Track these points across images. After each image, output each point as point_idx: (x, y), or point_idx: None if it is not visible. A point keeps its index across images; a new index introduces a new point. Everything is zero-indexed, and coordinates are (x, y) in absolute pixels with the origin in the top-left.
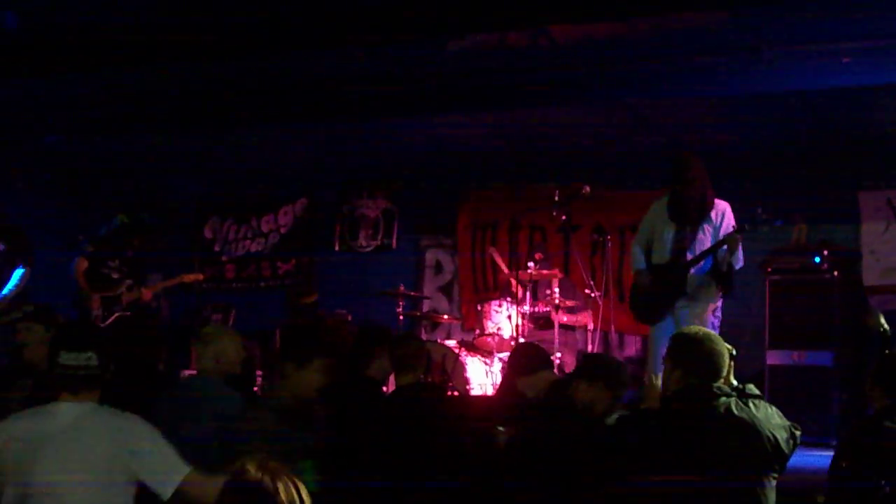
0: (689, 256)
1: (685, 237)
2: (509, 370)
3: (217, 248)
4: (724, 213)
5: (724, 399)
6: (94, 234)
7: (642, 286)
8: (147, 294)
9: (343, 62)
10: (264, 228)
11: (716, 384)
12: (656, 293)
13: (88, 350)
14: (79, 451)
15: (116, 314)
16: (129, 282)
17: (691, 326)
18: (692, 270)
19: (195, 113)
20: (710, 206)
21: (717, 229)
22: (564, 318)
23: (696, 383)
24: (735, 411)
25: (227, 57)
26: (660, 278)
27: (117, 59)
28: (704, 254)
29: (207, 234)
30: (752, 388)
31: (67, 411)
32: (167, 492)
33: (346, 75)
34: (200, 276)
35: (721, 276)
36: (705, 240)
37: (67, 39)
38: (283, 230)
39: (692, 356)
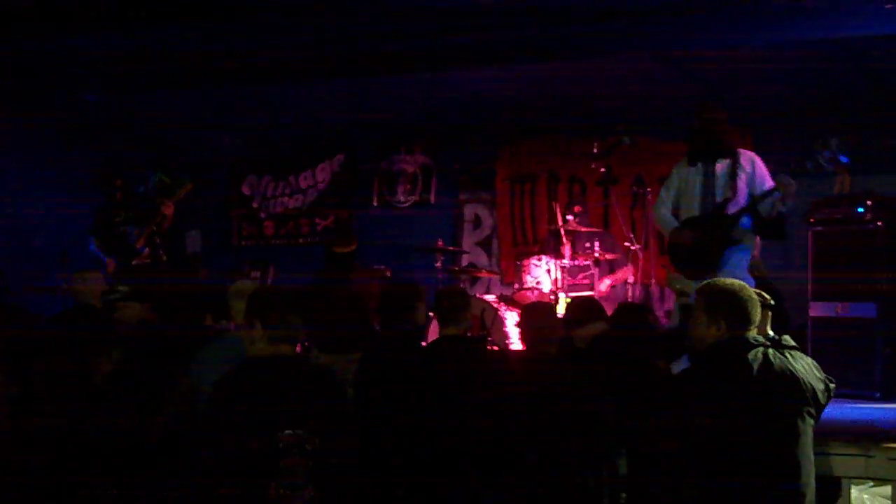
0: (720, 198)
1: (712, 180)
2: (563, 324)
3: (255, 205)
4: (753, 160)
5: (759, 349)
6: (133, 191)
7: (684, 243)
8: (169, 208)
9: (378, 16)
10: (302, 185)
11: (751, 335)
12: (701, 247)
13: None
14: None
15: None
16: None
17: (722, 279)
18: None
19: (232, 70)
20: (730, 143)
21: (750, 175)
22: (603, 287)
23: (732, 334)
24: (773, 361)
25: (260, 12)
26: (702, 231)
27: (154, 15)
28: (754, 202)
29: (245, 190)
30: (787, 340)
31: None
32: None
33: (381, 29)
34: (190, 186)
35: (772, 224)
36: (737, 184)
37: None
38: (321, 186)
39: (728, 307)
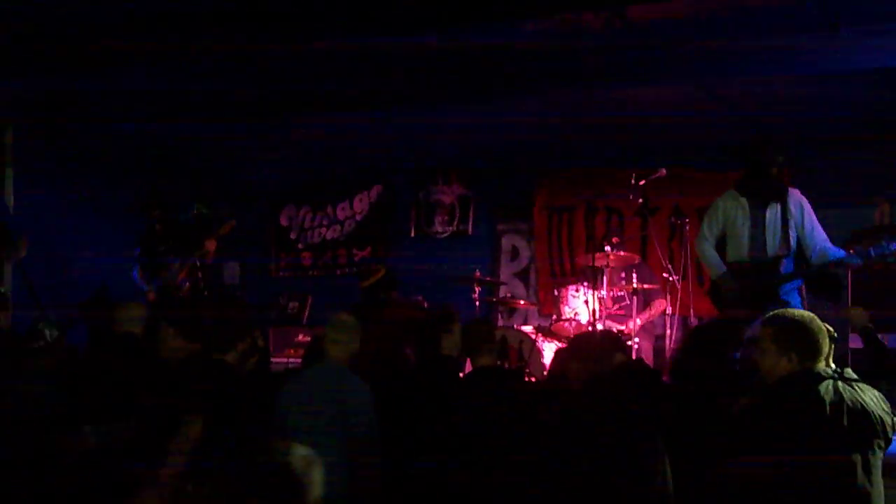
0: (770, 247)
1: (761, 224)
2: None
3: (293, 236)
4: (801, 205)
5: (830, 382)
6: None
7: (730, 291)
8: (211, 244)
9: (416, 46)
10: (340, 216)
11: (822, 367)
12: (746, 298)
13: None
14: None
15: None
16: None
17: (790, 310)
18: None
19: (271, 100)
20: (785, 187)
21: (799, 223)
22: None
23: (803, 367)
24: (843, 393)
25: (301, 44)
26: (750, 285)
27: (192, 46)
28: (807, 273)
29: (283, 221)
30: (849, 373)
31: None
32: None
33: (419, 60)
34: (233, 223)
35: (826, 284)
36: (789, 238)
37: (142, 27)
38: (358, 217)
39: (800, 339)
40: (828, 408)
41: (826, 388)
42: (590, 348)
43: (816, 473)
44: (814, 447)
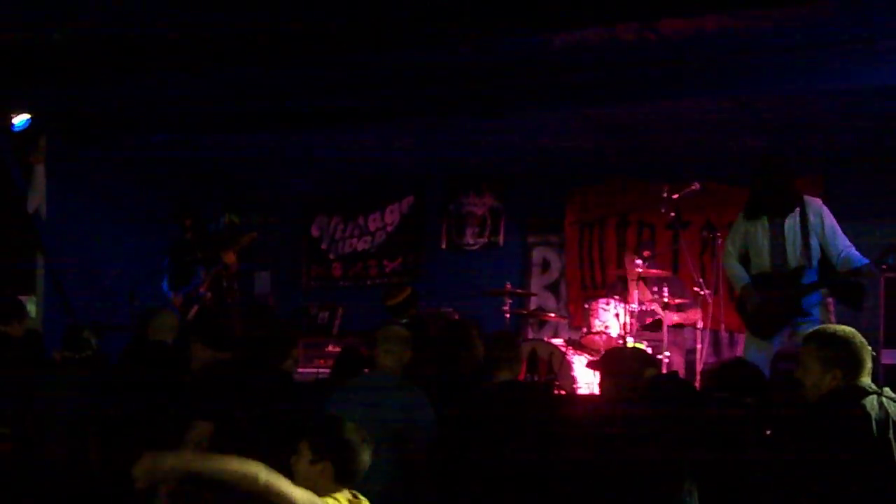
0: (791, 258)
1: (780, 235)
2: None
3: (324, 247)
4: (821, 213)
5: (874, 397)
6: (204, 230)
7: (752, 304)
8: (230, 257)
9: (448, 58)
10: (371, 227)
11: (866, 382)
12: (770, 313)
13: None
14: None
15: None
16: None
17: (832, 326)
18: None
19: (302, 111)
20: (796, 196)
21: (819, 231)
22: (674, 318)
23: (848, 383)
24: (888, 408)
25: (332, 55)
26: (773, 296)
27: (223, 58)
28: (832, 281)
29: (314, 232)
30: (888, 392)
31: None
32: None
33: (451, 71)
34: (254, 235)
35: (850, 293)
36: (810, 249)
37: (173, 39)
38: (389, 228)
39: (845, 355)
40: (874, 424)
41: (871, 403)
42: (621, 364)
43: (862, 488)
44: (862, 463)
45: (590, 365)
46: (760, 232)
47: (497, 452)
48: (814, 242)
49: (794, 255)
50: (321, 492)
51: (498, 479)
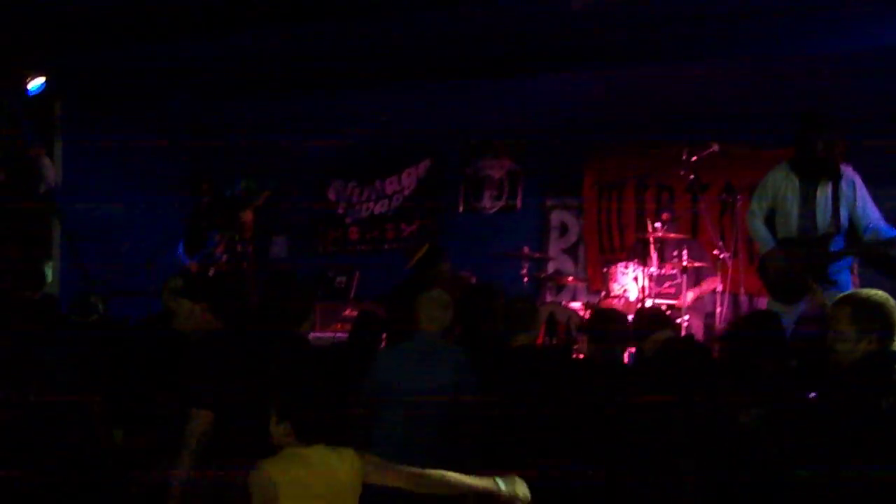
0: (820, 225)
1: (812, 203)
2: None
3: (341, 211)
4: (854, 184)
5: None
6: (220, 195)
7: (776, 267)
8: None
9: (466, 20)
10: (388, 190)
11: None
12: (794, 279)
13: None
14: None
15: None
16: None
17: (864, 290)
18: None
19: (318, 75)
20: (837, 166)
21: (851, 201)
22: (690, 295)
23: (882, 347)
24: None
25: (349, 18)
26: (799, 261)
27: (240, 21)
28: (861, 251)
29: (331, 196)
30: None
31: None
32: None
33: (469, 33)
34: (268, 193)
35: (882, 265)
36: (840, 217)
37: (189, 2)
38: (406, 192)
39: (880, 319)
40: None
41: None
42: (605, 327)
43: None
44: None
45: (580, 328)
46: (791, 196)
47: (515, 416)
48: (843, 211)
49: (823, 222)
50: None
51: (516, 441)
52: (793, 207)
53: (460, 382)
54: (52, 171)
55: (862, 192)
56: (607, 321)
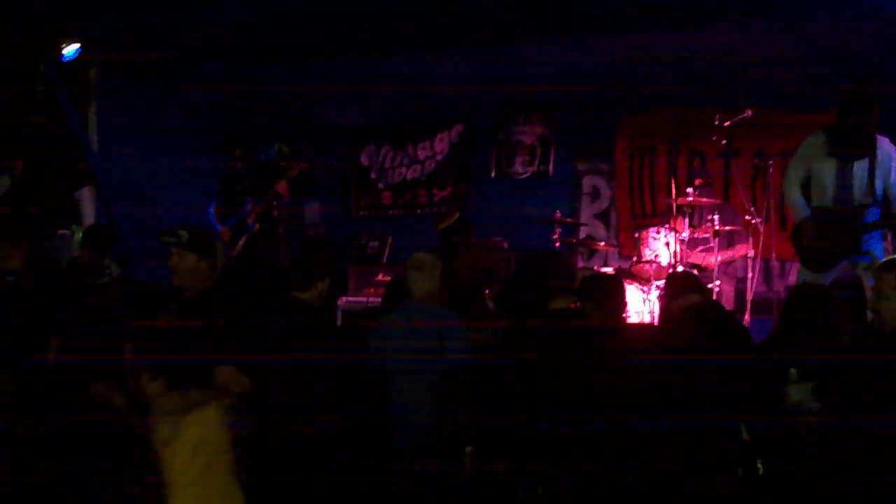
0: (857, 196)
1: (849, 175)
2: (663, 297)
3: (374, 176)
4: (891, 157)
5: None
6: (254, 160)
7: (809, 236)
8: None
9: None
10: (420, 155)
11: None
12: (826, 246)
13: None
14: None
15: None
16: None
17: None
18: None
19: (351, 39)
20: (874, 138)
21: (886, 173)
22: (718, 258)
23: None
24: None
25: None
26: (833, 231)
27: None
28: (893, 224)
29: (364, 161)
30: None
31: None
32: None
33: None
34: (304, 165)
35: None
36: (875, 187)
37: None
38: (439, 157)
39: None
40: None
41: None
42: (606, 293)
43: None
44: None
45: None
46: (827, 166)
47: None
48: (879, 182)
49: (859, 193)
50: None
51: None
52: (829, 178)
53: (444, 348)
54: None
55: None
56: (596, 286)
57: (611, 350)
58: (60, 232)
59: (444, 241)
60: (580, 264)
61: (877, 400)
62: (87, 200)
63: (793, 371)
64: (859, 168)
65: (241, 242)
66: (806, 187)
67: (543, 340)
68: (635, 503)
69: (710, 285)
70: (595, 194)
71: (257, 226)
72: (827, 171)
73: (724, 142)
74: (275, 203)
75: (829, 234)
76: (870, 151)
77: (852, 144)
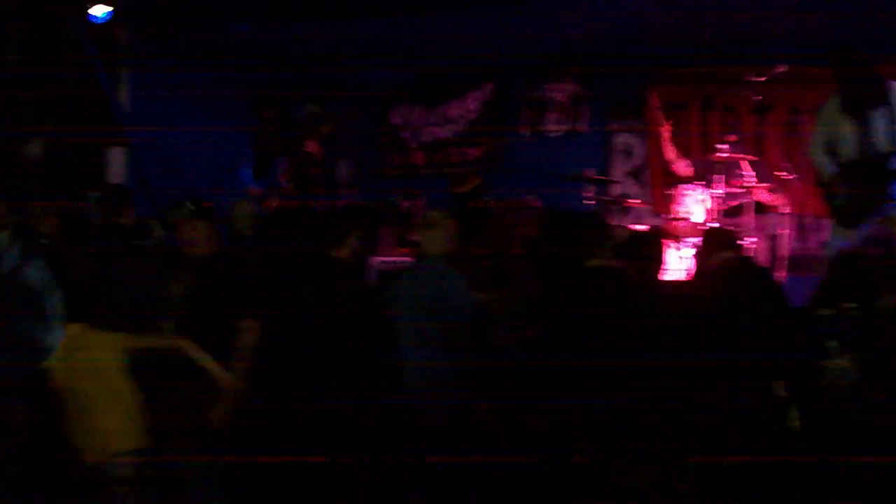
0: (880, 146)
1: (868, 128)
2: (699, 254)
3: (405, 135)
4: None
5: None
6: (286, 120)
7: (840, 195)
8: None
9: None
10: (452, 114)
11: None
12: (857, 201)
13: None
14: None
15: None
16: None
17: None
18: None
19: None
20: (881, 86)
21: None
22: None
23: None
24: None
25: None
26: (859, 183)
27: None
28: None
29: (395, 120)
30: None
31: None
32: None
33: None
34: (333, 125)
35: None
36: (890, 122)
37: None
38: (471, 116)
39: None
40: None
41: None
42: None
43: None
44: None
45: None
46: (847, 126)
47: (585, 336)
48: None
49: (882, 143)
50: None
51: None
52: (850, 137)
53: (448, 304)
54: None
55: None
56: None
57: (649, 306)
58: (91, 194)
59: (461, 205)
60: (613, 222)
61: None
62: (116, 164)
63: (833, 344)
64: (878, 119)
65: (273, 202)
66: (833, 154)
67: (581, 298)
68: None
69: (744, 242)
70: (627, 152)
71: (291, 185)
72: (847, 131)
73: (757, 98)
74: (306, 162)
75: (858, 188)
76: (881, 98)
77: (861, 98)
